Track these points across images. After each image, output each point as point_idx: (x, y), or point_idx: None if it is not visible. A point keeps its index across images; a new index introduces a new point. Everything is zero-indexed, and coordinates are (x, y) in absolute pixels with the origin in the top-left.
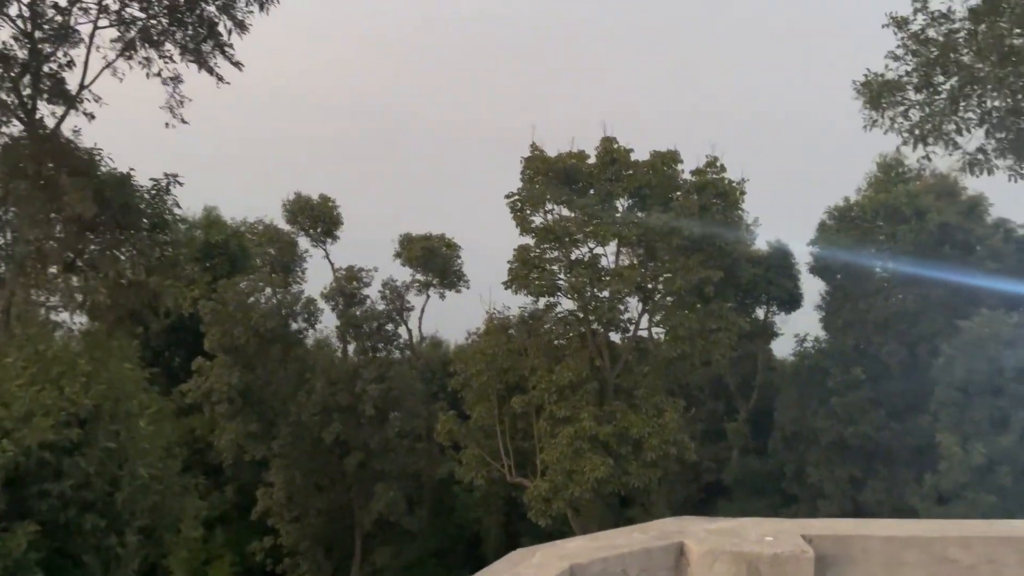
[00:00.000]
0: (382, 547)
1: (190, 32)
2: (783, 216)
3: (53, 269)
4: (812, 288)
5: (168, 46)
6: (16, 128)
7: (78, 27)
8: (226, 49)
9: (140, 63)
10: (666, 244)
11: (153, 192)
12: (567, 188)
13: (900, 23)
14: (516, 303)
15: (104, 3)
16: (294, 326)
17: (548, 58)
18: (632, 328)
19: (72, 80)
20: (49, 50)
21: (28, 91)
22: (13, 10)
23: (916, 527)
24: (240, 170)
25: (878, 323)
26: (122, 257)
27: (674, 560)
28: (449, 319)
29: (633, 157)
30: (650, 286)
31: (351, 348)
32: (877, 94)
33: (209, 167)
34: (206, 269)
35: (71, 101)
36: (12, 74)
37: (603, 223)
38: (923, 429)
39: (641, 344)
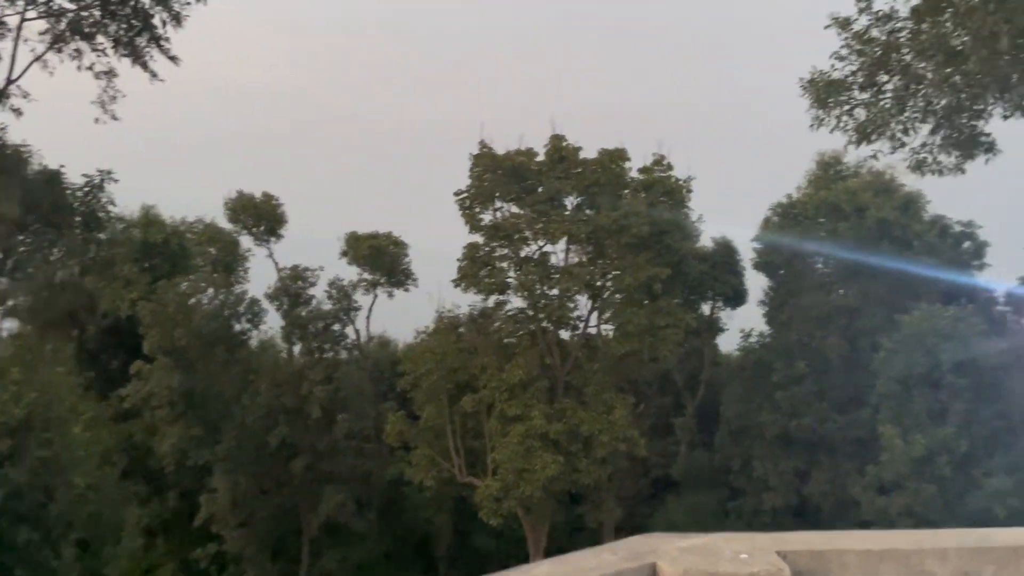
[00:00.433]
0: (330, 550)
1: (124, 25)
2: (733, 212)
3: None
4: (756, 284)
5: (101, 39)
6: None
7: (5, 19)
8: (162, 43)
9: (71, 55)
10: (615, 242)
11: (86, 190)
12: (516, 186)
13: (843, 24)
14: (466, 301)
15: None
16: (237, 327)
17: (498, 55)
18: (582, 326)
19: None
20: None
21: None
22: None
23: (891, 539)
24: (180, 168)
25: (820, 318)
26: (53, 257)
27: None
28: (398, 318)
29: (582, 155)
30: (599, 284)
31: (297, 349)
32: (823, 93)
33: (147, 164)
34: (145, 269)
35: None
36: None
37: (552, 221)
38: (865, 421)
39: (591, 341)
